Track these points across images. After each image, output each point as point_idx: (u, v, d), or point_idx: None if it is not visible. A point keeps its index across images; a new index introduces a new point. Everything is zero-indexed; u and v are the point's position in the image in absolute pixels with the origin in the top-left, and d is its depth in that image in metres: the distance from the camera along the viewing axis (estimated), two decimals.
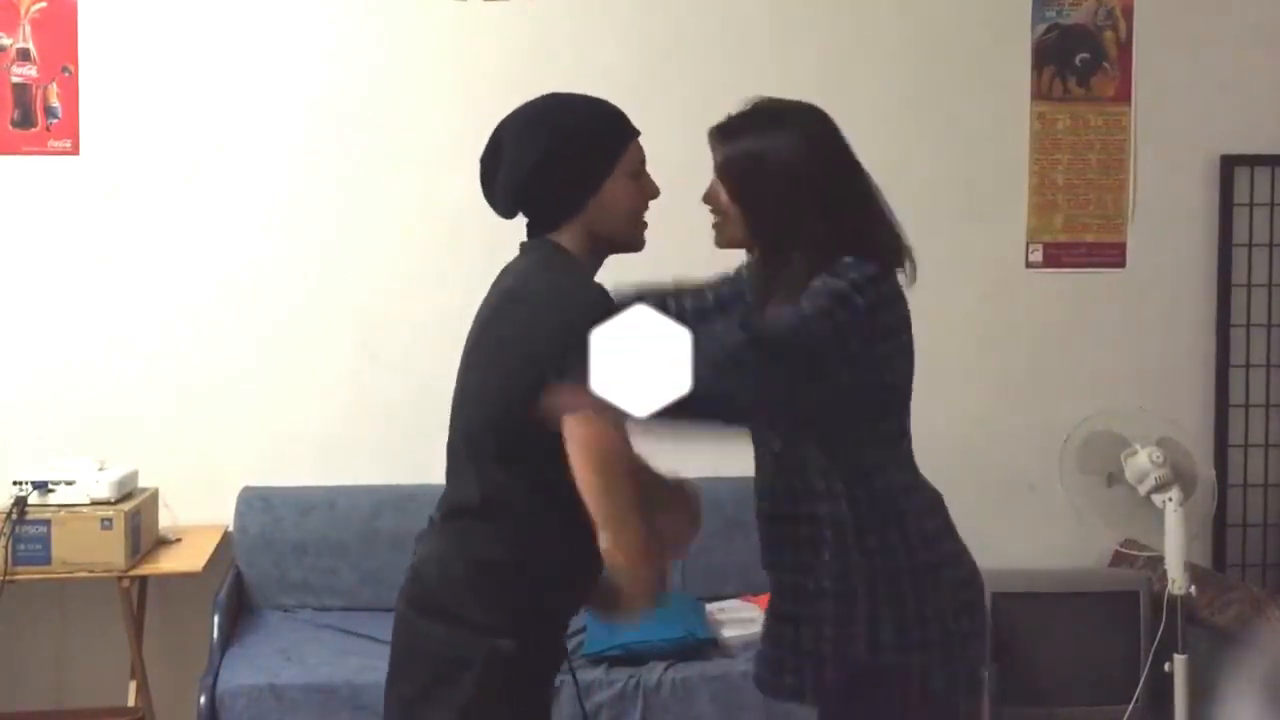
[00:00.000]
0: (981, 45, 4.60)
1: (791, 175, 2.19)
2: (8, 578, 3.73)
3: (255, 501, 4.24)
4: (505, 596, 2.18)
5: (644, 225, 2.33)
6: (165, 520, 4.17)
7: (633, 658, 3.81)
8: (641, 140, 2.42)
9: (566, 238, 2.26)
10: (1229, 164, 4.64)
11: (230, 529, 4.25)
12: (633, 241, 2.32)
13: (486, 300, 2.32)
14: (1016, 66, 4.59)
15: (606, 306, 2.06)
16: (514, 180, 2.24)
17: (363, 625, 4.05)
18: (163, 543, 4.08)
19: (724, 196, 2.24)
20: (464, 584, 2.20)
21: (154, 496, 4.10)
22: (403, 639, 2.27)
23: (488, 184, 2.29)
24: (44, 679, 4.24)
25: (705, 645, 3.89)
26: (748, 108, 2.30)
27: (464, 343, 2.33)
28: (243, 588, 4.21)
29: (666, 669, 3.78)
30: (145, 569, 3.92)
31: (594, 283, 2.22)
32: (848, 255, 2.15)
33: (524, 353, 2.15)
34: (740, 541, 4.34)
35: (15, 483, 3.83)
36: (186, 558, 3.99)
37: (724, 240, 2.28)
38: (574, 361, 1.97)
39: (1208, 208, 4.67)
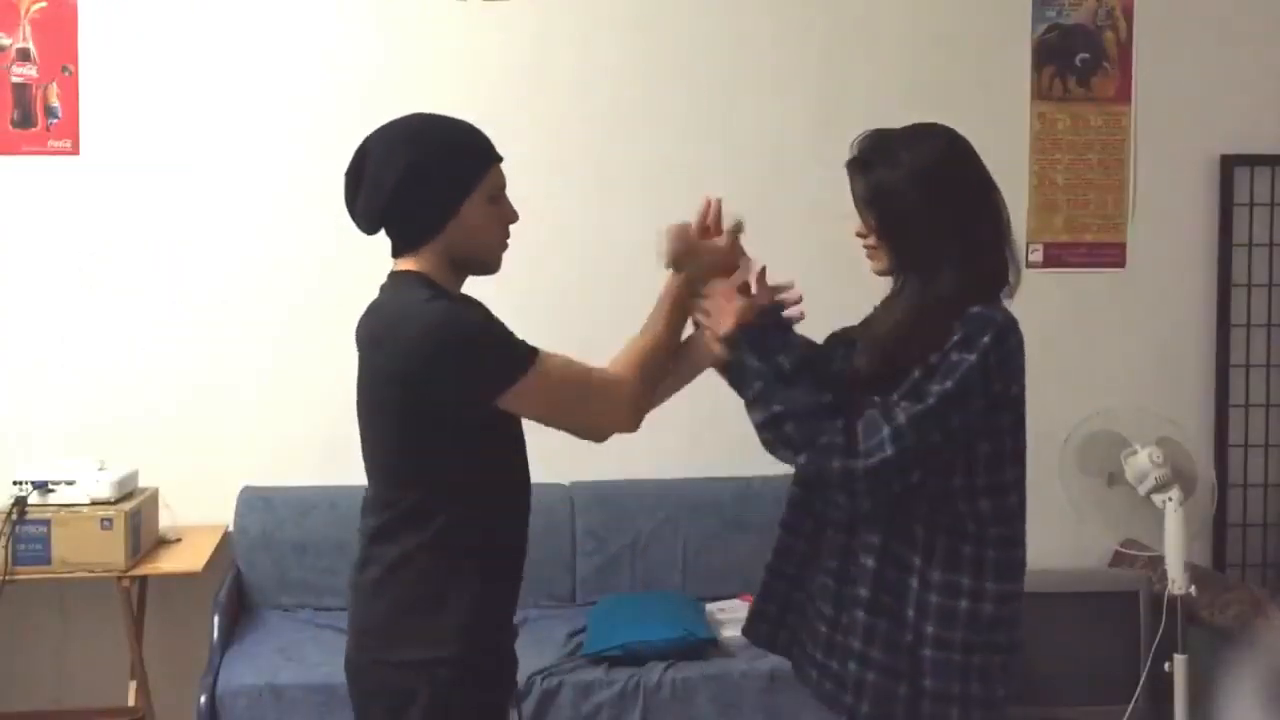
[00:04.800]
0: (982, 45, 4.60)
1: (926, 203, 2.19)
2: (7, 578, 3.73)
3: (255, 501, 4.24)
4: (439, 624, 2.21)
5: (503, 248, 2.34)
6: (165, 520, 4.16)
7: (633, 658, 3.81)
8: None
9: (425, 259, 2.27)
10: (1229, 164, 4.64)
11: (230, 529, 4.25)
12: (490, 264, 2.34)
13: (359, 342, 2.36)
14: (1017, 66, 4.60)
15: (458, 315, 2.20)
16: (374, 200, 2.25)
17: None
18: (163, 543, 4.08)
19: (868, 226, 2.26)
20: (398, 620, 2.24)
21: (154, 496, 4.09)
22: (353, 681, 2.31)
23: (350, 202, 2.30)
24: (44, 679, 4.24)
25: (705, 645, 3.89)
26: (879, 137, 2.27)
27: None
28: (242, 588, 4.20)
29: (666, 669, 3.78)
30: (145, 569, 3.91)
31: (448, 304, 2.23)
32: (984, 284, 2.18)
33: (400, 395, 2.23)
34: (740, 542, 4.35)
35: (15, 482, 3.83)
36: (186, 558, 3.98)
37: (876, 269, 2.29)
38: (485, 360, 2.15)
39: (1208, 208, 4.67)
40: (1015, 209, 4.52)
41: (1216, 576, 4.33)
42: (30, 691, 4.21)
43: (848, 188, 2.28)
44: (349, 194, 2.30)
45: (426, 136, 2.27)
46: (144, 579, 4.03)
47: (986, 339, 2.11)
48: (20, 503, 3.78)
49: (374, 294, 2.41)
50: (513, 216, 2.34)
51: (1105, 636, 4.10)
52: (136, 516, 3.89)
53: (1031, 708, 4.05)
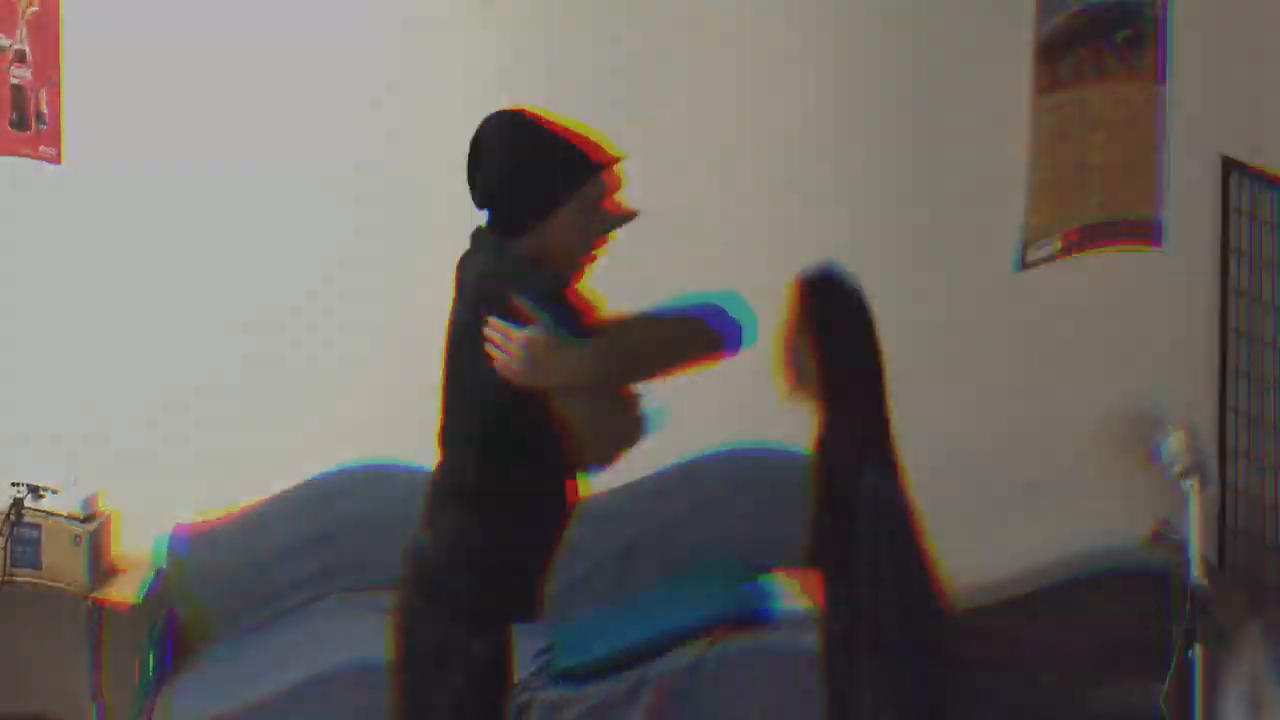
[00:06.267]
0: (982, 41, 4.54)
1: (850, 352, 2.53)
2: (7, 579, 3.71)
3: (200, 527, 4.07)
4: (492, 579, 2.30)
5: (586, 261, 2.36)
6: (127, 542, 4.07)
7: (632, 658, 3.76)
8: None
9: (519, 247, 2.31)
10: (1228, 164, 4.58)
11: (176, 553, 4.07)
12: (570, 273, 2.34)
13: (458, 301, 2.38)
14: (1018, 59, 4.52)
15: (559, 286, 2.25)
16: (486, 182, 2.30)
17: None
18: (118, 569, 3.99)
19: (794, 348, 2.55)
20: (460, 570, 2.31)
21: (114, 519, 4.01)
22: (405, 627, 2.37)
23: (470, 175, 2.34)
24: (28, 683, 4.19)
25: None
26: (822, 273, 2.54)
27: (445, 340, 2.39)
28: (188, 615, 4.05)
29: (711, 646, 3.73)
30: (102, 592, 3.85)
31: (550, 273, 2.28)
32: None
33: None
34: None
35: (14, 484, 3.80)
36: (133, 585, 3.91)
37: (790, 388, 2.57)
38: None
39: (1210, 208, 4.63)
40: (1014, 205, 4.52)
41: (1222, 575, 4.31)
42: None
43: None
44: (470, 165, 2.33)
45: (530, 135, 2.30)
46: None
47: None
48: (19, 504, 3.76)
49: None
50: (602, 229, 2.33)
51: (1134, 618, 4.05)
52: (98, 537, 3.84)
53: (1060, 688, 4.03)
